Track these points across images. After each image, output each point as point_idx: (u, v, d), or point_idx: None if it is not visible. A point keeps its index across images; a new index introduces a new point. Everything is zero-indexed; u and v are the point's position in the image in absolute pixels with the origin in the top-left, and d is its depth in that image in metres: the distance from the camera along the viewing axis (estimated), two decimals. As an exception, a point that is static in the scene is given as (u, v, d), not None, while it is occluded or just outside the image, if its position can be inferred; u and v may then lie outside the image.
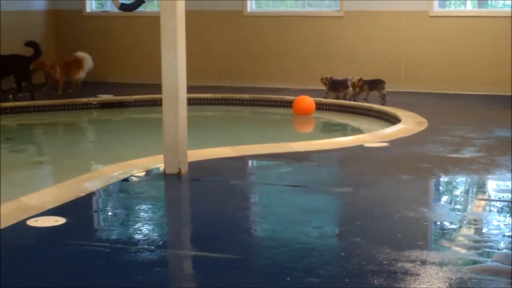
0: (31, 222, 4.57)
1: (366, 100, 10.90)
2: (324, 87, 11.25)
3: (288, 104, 10.94)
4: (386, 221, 4.73)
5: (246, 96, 11.66)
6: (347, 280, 3.67)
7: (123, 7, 12.24)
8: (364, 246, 4.15)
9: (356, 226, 4.66)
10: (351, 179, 6.09)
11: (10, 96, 11.27)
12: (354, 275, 3.71)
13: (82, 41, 13.99)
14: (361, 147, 7.24)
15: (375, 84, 11.17)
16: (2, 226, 4.49)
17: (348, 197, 5.43)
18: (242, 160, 6.75)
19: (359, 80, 11.16)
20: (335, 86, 11.17)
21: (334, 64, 12.51)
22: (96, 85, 12.97)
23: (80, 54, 12.26)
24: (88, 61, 12.23)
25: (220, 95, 11.78)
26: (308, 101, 10.66)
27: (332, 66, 12.42)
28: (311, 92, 11.29)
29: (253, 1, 13.24)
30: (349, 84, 11.08)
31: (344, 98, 11.01)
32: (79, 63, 12.12)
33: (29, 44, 11.82)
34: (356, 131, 9.51)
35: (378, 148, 7.20)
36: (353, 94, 11.11)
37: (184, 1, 5.79)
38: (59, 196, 5.20)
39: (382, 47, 12.35)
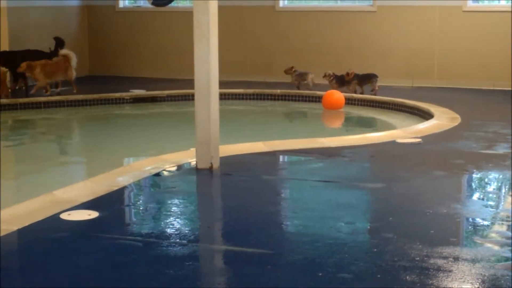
0: (64, 216, 4.61)
1: (357, 92, 11.11)
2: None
3: (319, 99, 10.92)
4: (419, 217, 4.71)
5: (278, 91, 11.66)
6: (379, 276, 3.65)
7: (155, 2, 12.25)
8: (396, 242, 4.13)
9: (388, 222, 4.64)
10: (383, 174, 6.06)
11: (44, 91, 11.34)
12: (386, 271, 3.70)
13: (114, 37, 14.10)
14: (393, 143, 7.20)
15: (368, 78, 11.17)
16: (36, 219, 4.53)
17: (380, 192, 5.40)
18: (273, 155, 6.75)
19: (349, 73, 11.17)
20: (340, 81, 11.21)
21: (366, 59, 12.46)
22: (128, 80, 13.06)
23: (66, 51, 11.69)
24: (74, 58, 11.62)
25: (252, 90, 11.79)
26: (337, 96, 10.63)
27: (364, 61, 12.37)
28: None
29: (286, -4, 13.23)
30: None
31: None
32: (68, 61, 11.52)
33: (57, 40, 11.87)
34: (388, 126, 9.47)
35: (411, 144, 7.16)
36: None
37: (217, -4, 5.80)
38: (92, 190, 5.24)
39: (415, 42, 12.28)
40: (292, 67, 11.97)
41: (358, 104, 10.94)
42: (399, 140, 7.29)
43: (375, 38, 12.57)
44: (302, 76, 11.84)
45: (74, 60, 11.57)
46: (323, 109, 10.71)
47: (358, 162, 6.47)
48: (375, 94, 10.97)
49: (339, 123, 10.73)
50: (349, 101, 10.87)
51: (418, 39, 12.28)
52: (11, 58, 11.33)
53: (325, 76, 11.36)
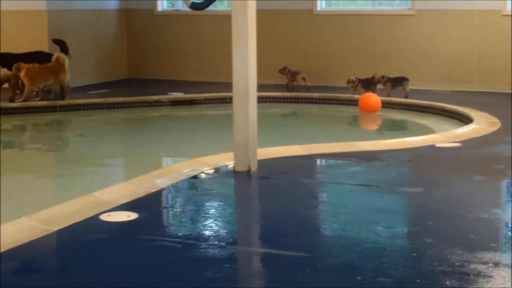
0: (104, 217, 4.65)
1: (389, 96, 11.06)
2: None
3: (356, 103, 10.88)
4: (458, 222, 4.67)
5: (315, 95, 11.64)
6: (418, 281, 3.63)
7: (194, 6, 12.33)
8: (436, 247, 4.10)
9: (427, 226, 4.60)
10: (422, 179, 6.02)
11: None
12: (425, 276, 3.67)
13: (153, 40, 14.19)
14: (432, 147, 7.15)
15: (399, 82, 11.14)
16: (76, 220, 4.57)
17: (419, 197, 5.37)
18: (311, 158, 6.74)
19: (382, 77, 11.15)
20: (366, 84, 11.20)
21: (404, 63, 12.39)
22: (166, 83, 13.14)
23: (59, 54, 11.13)
24: (67, 62, 11.09)
25: (289, 94, 11.79)
26: (374, 99, 10.60)
27: (402, 65, 12.30)
28: (382, 91, 11.20)
29: (323, 0, 13.19)
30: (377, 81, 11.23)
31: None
32: (61, 65, 10.99)
33: (56, 42, 11.62)
34: (427, 130, 9.39)
35: (450, 148, 7.10)
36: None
37: (255, 0, 5.80)
38: (131, 192, 5.28)
39: (454, 46, 12.18)
40: (285, 67, 12.28)
41: (396, 108, 10.88)
42: (438, 145, 7.24)
43: (414, 42, 12.49)
44: (294, 75, 12.21)
45: (67, 63, 11.06)
46: (360, 112, 10.69)
47: (397, 166, 6.44)
48: (406, 97, 10.92)
49: (377, 127, 10.69)
50: (387, 105, 10.82)
51: (457, 43, 12.17)
52: (12, 60, 11.22)
53: (348, 82, 11.35)
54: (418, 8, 12.41)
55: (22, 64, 10.80)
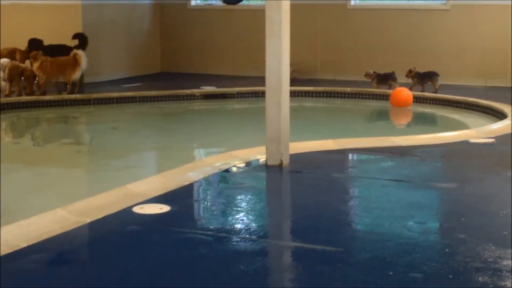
0: (136, 209, 4.67)
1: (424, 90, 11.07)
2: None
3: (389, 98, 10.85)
4: (492, 218, 4.63)
5: (348, 89, 11.61)
6: (451, 276, 3.60)
7: (227, 0, 12.36)
8: (468, 243, 4.07)
9: (460, 222, 4.57)
10: (456, 174, 5.97)
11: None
12: (458, 272, 3.64)
13: (186, 34, 14.23)
14: (466, 143, 7.09)
15: (428, 77, 11.10)
16: (109, 212, 4.60)
17: (453, 193, 5.33)
18: (343, 153, 6.72)
19: (410, 71, 11.10)
20: (383, 79, 11.19)
21: (438, 58, 12.31)
22: (199, 77, 13.18)
23: (77, 51, 11.13)
24: (83, 58, 11.02)
25: (322, 88, 11.76)
26: (405, 93, 10.56)
27: (436, 60, 12.22)
28: (415, 86, 11.12)
29: (357, -6, 13.16)
30: (396, 77, 11.23)
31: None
32: (76, 61, 10.98)
33: (76, 36, 11.73)
34: (461, 126, 9.33)
35: (484, 144, 7.04)
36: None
37: (289, -6, 5.80)
38: (164, 185, 5.30)
39: (488, 41, 12.07)
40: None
41: (428, 103, 10.81)
42: (472, 140, 7.18)
43: (448, 36, 12.40)
44: None
45: (83, 61, 11.01)
46: (391, 106, 10.65)
47: (430, 162, 6.39)
48: (435, 93, 10.87)
49: (409, 122, 10.64)
50: (420, 100, 10.76)
51: (491, 38, 12.06)
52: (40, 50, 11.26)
53: (366, 75, 11.37)
54: (453, 3, 12.31)
55: (38, 55, 10.89)
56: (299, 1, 11.80)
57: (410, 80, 11.28)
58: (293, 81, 11.59)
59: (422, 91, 11.00)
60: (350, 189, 5.63)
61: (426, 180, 5.64)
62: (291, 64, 12.35)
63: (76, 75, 11.00)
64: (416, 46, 12.58)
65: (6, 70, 10.57)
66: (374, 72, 11.38)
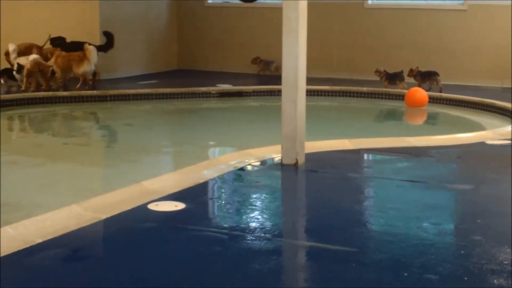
0: (152, 206, 4.68)
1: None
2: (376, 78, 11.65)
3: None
4: (508, 220, 4.59)
5: (364, 89, 11.58)
6: (466, 278, 3.58)
7: (244, -3, 12.38)
8: (484, 245, 4.05)
9: (476, 224, 4.55)
10: (472, 176, 5.94)
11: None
12: (473, 274, 3.63)
13: (202, 32, 14.25)
14: (482, 144, 7.06)
15: (428, 76, 11.13)
16: (124, 209, 4.61)
17: (469, 194, 5.30)
18: (359, 153, 6.70)
19: (412, 70, 11.17)
20: (391, 78, 11.22)
21: (454, 58, 12.27)
22: (215, 75, 13.19)
23: (87, 46, 11.16)
24: (93, 53, 11.08)
25: (338, 87, 11.74)
26: (420, 93, 10.54)
27: (452, 60, 12.19)
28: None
29: (374, -7, 13.13)
30: (404, 76, 11.31)
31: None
32: (85, 56, 11.04)
33: (105, 34, 11.83)
34: (477, 127, 9.29)
35: (500, 146, 7.01)
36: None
37: (306, -8, 5.79)
38: (179, 182, 5.31)
39: (506, 42, 12.01)
40: (257, 57, 12.99)
41: (445, 103, 10.78)
42: (488, 142, 7.15)
43: (465, 37, 12.35)
44: (267, 64, 12.94)
45: (93, 56, 11.04)
46: (405, 106, 10.64)
47: (446, 163, 6.37)
48: (441, 92, 10.85)
49: (424, 122, 10.61)
50: (436, 100, 10.72)
51: (508, 39, 11.99)
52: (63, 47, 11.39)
53: (376, 72, 11.41)
54: (471, 3, 12.26)
55: (56, 50, 11.07)
56: (316, 0, 11.78)
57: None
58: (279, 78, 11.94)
59: (428, 89, 11.00)
60: (366, 189, 5.61)
61: (441, 181, 5.62)
62: (275, 60, 12.76)
63: (84, 69, 11.03)
64: (432, 46, 12.54)
65: (28, 65, 10.64)
66: (384, 71, 11.40)
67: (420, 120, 10.73)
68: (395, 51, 12.74)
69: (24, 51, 11.60)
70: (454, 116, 10.50)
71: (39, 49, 11.75)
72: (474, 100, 10.48)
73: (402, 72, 11.33)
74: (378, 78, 11.56)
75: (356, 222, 4.60)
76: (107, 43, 11.74)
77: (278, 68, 12.18)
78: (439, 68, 11.36)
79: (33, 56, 10.91)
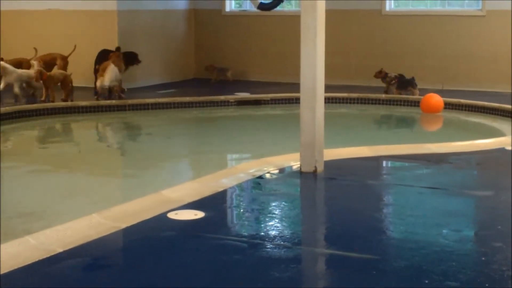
0: (171, 215, 4.69)
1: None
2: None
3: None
4: (529, 226, 4.57)
5: (383, 96, 11.56)
6: (487, 285, 3.56)
7: (261, 6, 12.36)
8: (505, 251, 4.03)
9: (497, 230, 4.52)
10: (492, 182, 5.91)
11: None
12: (494, 281, 3.61)
13: (220, 40, 14.27)
14: (502, 150, 7.02)
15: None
16: (144, 218, 4.63)
17: (489, 201, 5.28)
18: (378, 160, 6.69)
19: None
20: (403, 84, 11.23)
21: (474, 63, 12.22)
22: (232, 83, 13.21)
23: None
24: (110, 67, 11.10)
25: (356, 95, 11.72)
26: (436, 99, 10.53)
27: (472, 65, 12.14)
28: (450, 93, 11.06)
29: (392, 1, 13.09)
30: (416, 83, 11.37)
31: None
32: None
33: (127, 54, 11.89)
34: (496, 133, 9.24)
35: (521, 152, 6.97)
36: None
37: (324, 0, 5.79)
38: (198, 191, 5.32)
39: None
40: (212, 65, 13.25)
41: (462, 109, 10.75)
42: (508, 148, 7.10)
43: (483, 42, 12.29)
44: (222, 71, 13.24)
45: (108, 74, 11.00)
46: (421, 112, 10.65)
47: (466, 169, 6.34)
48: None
49: (443, 129, 10.57)
50: (453, 106, 10.71)
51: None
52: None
53: (387, 76, 11.47)
54: (489, 8, 12.20)
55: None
56: (334, 6, 11.77)
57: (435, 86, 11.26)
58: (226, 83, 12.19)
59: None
60: (385, 197, 5.60)
61: (461, 188, 5.60)
62: (229, 68, 12.93)
63: (100, 84, 11.01)
64: (451, 51, 12.49)
65: (42, 77, 10.69)
66: (396, 77, 11.38)
67: (436, 127, 10.70)
68: (414, 58, 12.69)
69: (49, 61, 11.68)
70: (472, 122, 10.45)
71: (64, 60, 11.82)
72: (493, 106, 10.42)
73: (413, 78, 11.32)
74: (383, 82, 11.63)
75: (376, 229, 4.59)
76: (128, 61, 11.88)
77: (233, 75, 12.96)
78: (457, 73, 11.32)
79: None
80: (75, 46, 11.85)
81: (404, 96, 11.35)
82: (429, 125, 10.85)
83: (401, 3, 13.37)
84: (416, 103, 11.05)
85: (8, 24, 13.33)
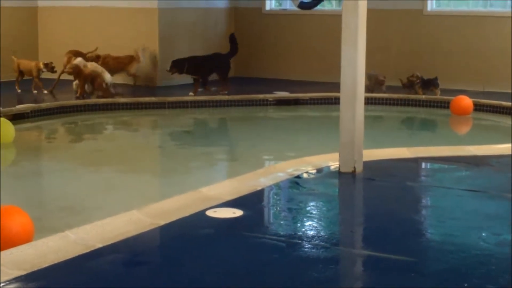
0: (210, 213, 4.71)
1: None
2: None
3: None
4: None
5: (423, 97, 11.47)
6: (527, 290, 3.53)
7: (301, 5, 12.33)
8: (546, 256, 3.98)
9: (538, 235, 4.47)
10: (533, 186, 5.83)
11: (190, 93, 11.50)
12: (535, 286, 3.57)
13: (260, 39, 14.28)
14: (544, 153, 6.92)
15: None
16: (183, 215, 4.65)
17: (530, 204, 5.21)
18: (417, 161, 6.63)
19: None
20: (426, 84, 11.17)
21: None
22: (272, 82, 13.21)
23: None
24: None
25: (396, 95, 11.64)
26: (465, 101, 10.48)
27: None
28: (491, 95, 10.95)
29: (434, 1, 12.98)
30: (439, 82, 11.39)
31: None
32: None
33: (231, 39, 12.12)
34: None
35: None
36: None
37: (366, 0, 5.76)
38: (237, 189, 5.32)
39: None
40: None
41: (486, 111, 10.71)
42: (550, 151, 7.01)
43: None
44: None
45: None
46: (451, 114, 10.61)
47: (507, 172, 6.26)
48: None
49: (476, 131, 10.46)
50: (479, 107, 10.69)
51: None
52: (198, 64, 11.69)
53: (412, 76, 11.39)
54: (532, 9, 12.05)
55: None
56: (375, 5, 11.71)
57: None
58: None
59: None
60: (424, 199, 5.56)
61: (502, 191, 5.53)
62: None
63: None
64: (492, 53, 12.35)
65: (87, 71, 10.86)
66: (419, 76, 11.37)
67: (467, 128, 10.62)
68: (455, 59, 12.57)
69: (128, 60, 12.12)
70: (504, 124, 10.32)
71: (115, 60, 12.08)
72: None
73: (436, 78, 11.29)
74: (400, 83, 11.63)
75: (415, 231, 4.56)
76: (232, 49, 12.04)
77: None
78: (498, 75, 11.19)
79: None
80: (96, 48, 12.03)
81: (447, 98, 11.22)
82: (458, 127, 10.78)
83: (442, 3, 13.25)
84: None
85: (47, 21, 13.50)
